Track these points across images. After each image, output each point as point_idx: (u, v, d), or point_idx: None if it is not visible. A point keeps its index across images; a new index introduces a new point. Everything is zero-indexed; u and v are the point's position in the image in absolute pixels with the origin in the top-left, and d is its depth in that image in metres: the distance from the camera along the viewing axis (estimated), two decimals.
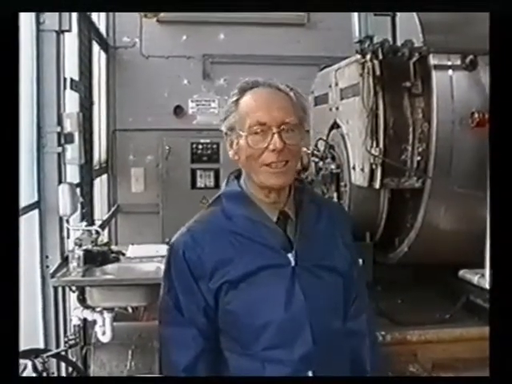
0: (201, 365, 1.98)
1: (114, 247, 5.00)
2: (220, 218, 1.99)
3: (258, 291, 1.93)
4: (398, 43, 3.85)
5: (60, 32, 4.44)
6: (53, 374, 4.24)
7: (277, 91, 1.96)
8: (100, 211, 7.02)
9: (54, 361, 4.15)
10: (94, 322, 4.26)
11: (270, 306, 1.94)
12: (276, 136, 1.88)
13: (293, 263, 1.95)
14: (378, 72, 3.55)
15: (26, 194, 4.18)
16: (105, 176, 7.69)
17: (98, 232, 4.69)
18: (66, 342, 4.18)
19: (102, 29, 7.34)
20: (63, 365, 4.30)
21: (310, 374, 1.95)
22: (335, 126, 4.14)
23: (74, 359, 4.29)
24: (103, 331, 4.21)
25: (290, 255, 1.95)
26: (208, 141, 7.84)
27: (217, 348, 2.01)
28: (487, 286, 3.25)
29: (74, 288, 4.27)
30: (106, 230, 6.97)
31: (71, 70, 5.16)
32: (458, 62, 3.55)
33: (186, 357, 1.97)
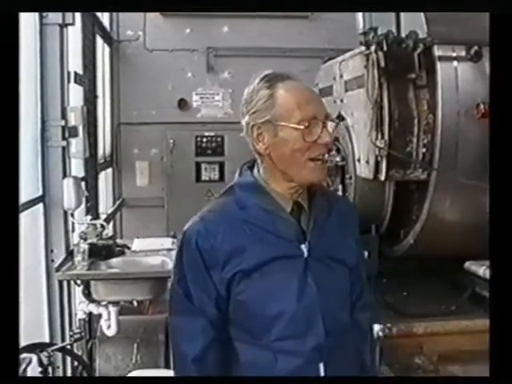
0: (210, 355, 1.96)
1: (119, 241, 5.00)
2: (233, 207, 1.95)
3: (270, 281, 1.91)
4: (403, 35, 3.84)
5: (63, 26, 4.42)
6: (58, 368, 4.26)
7: (307, 85, 1.96)
8: (105, 205, 7.01)
9: (59, 355, 4.16)
10: (100, 315, 4.26)
11: (282, 296, 1.91)
12: (325, 129, 1.88)
13: (306, 254, 1.93)
14: (382, 64, 3.54)
15: (31, 188, 4.17)
16: (109, 170, 7.69)
17: (102, 226, 4.69)
18: (71, 336, 4.17)
19: (106, 22, 7.32)
20: (69, 359, 4.31)
21: (322, 365, 1.93)
22: (340, 118, 4.13)
23: (80, 353, 4.29)
24: (108, 325, 4.22)
25: (303, 246, 1.93)
26: (212, 134, 7.83)
27: (227, 339, 1.98)
28: None
29: (79, 282, 4.27)
30: (111, 224, 6.96)
31: (75, 63, 5.15)
32: (463, 53, 3.53)
33: (196, 347, 1.94)
